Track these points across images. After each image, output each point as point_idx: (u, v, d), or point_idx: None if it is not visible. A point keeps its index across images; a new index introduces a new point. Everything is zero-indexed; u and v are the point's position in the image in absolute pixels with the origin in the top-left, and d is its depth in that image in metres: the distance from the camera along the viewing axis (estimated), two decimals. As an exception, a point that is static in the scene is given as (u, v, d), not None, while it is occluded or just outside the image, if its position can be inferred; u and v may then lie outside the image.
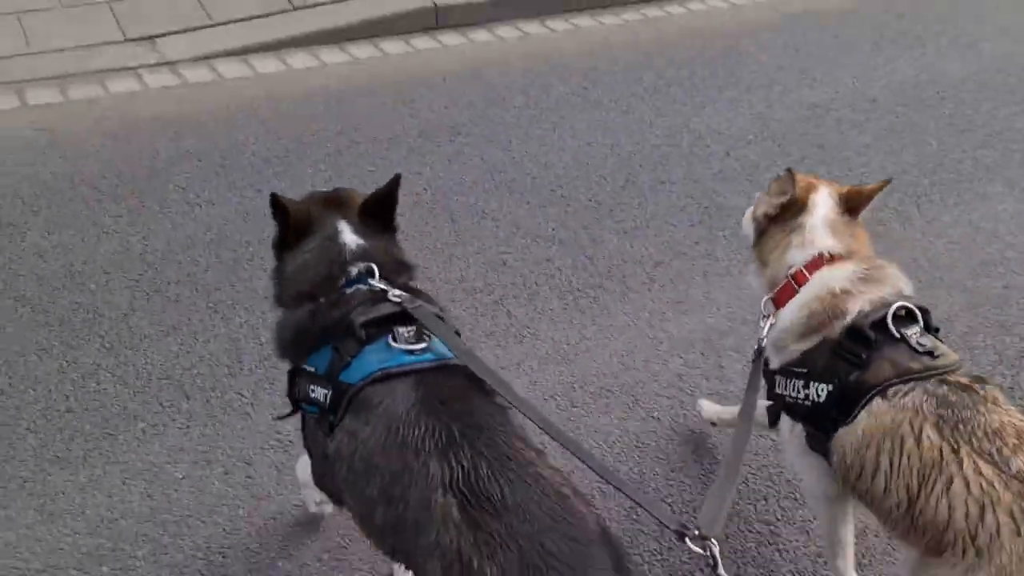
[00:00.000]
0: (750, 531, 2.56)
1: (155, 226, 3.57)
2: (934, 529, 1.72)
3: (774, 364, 2.15)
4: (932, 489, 1.72)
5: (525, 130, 4.52)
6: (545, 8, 5.92)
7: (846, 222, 2.16)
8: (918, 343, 1.90)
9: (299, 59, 5.06)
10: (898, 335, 1.91)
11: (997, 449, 1.70)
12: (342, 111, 4.52)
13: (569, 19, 5.90)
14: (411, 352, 1.75)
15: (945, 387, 1.82)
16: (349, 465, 1.69)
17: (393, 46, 5.34)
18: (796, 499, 2.62)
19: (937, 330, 2.02)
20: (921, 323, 1.96)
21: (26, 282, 3.22)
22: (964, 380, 1.85)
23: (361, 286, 1.89)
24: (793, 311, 2.07)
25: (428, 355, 1.77)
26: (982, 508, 1.65)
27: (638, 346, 3.20)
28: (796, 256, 2.13)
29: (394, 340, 1.77)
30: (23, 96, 4.39)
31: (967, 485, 1.68)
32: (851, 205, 2.18)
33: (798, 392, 2.01)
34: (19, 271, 3.27)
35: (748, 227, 2.36)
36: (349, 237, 1.96)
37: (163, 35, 5.02)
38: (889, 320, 1.92)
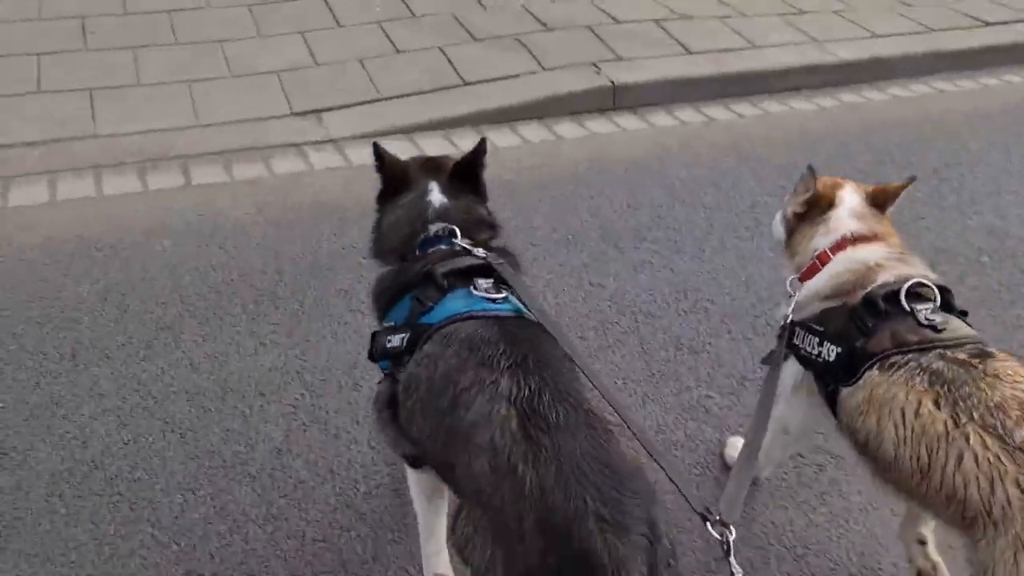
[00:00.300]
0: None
1: (315, 338, 3.21)
2: (956, 503, 1.76)
3: (796, 318, 2.24)
4: (945, 463, 1.77)
5: (719, 237, 3.98)
6: (729, 90, 5.40)
7: (873, 213, 2.29)
8: (926, 318, 1.95)
9: (467, 139, 4.71)
10: (908, 309, 1.98)
11: (1000, 422, 1.74)
12: (514, 201, 4.09)
13: (756, 103, 5.35)
14: (492, 300, 1.91)
15: (942, 362, 1.88)
16: (424, 380, 1.82)
17: (567, 128, 4.93)
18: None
19: (964, 313, 2.07)
20: (938, 301, 2.02)
21: (177, 400, 2.90)
22: (963, 356, 1.89)
23: (442, 245, 2.07)
24: (822, 279, 2.21)
25: (507, 305, 1.93)
26: (992, 482, 1.70)
27: (884, 540, 2.57)
28: (821, 241, 2.27)
29: (475, 289, 1.93)
30: (188, 173, 4.20)
31: (976, 460, 1.73)
32: (878, 201, 2.32)
33: (813, 348, 2.13)
34: (171, 385, 2.96)
35: (778, 229, 2.50)
36: (436, 196, 2.15)
37: (329, 109, 4.79)
38: (902, 294, 2.01)
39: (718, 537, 1.59)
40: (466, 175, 2.22)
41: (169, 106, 4.64)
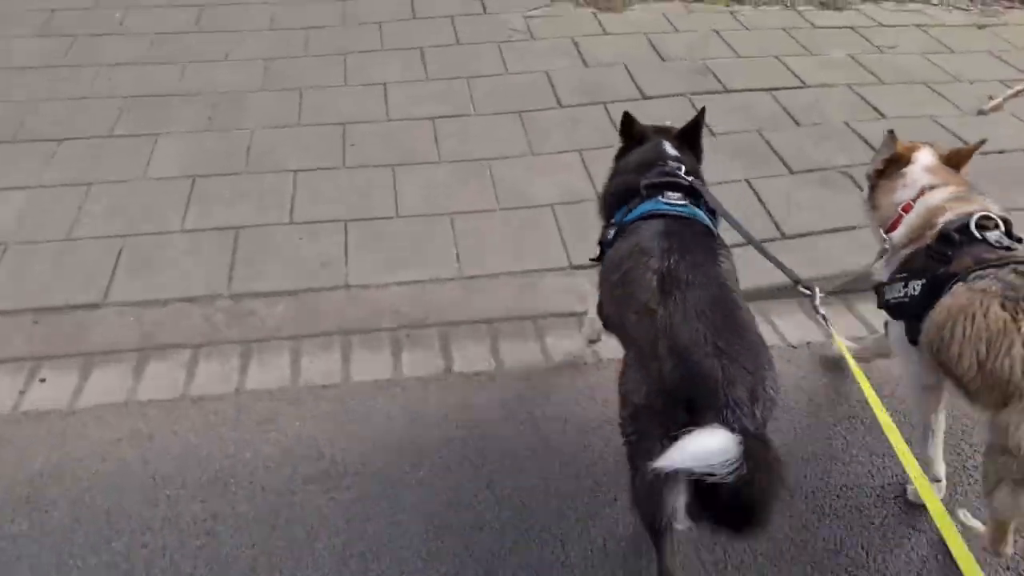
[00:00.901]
0: None
1: None
2: (1000, 384, 2.06)
3: (884, 278, 2.53)
4: (999, 353, 2.05)
5: None
6: None
7: (947, 170, 2.55)
8: (996, 241, 2.25)
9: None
10: (980, 237, 2.26)
11: None
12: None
13: None
14: (670, 204, 2.44)
15: (1014, 275, 2.13)
16: (609, 266, 2.46)
17: None
18: None
19: (1021, 240, 2.31)
20: (1003, 229, 2.29)
21: None
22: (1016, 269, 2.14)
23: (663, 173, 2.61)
24: (901, 231, 2.48)
25: (685, 209, 2.44)
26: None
27: None
28: (902, 195, 2.53)
29: (662, 197, 2.48)
30: (448, 352, 3.44)
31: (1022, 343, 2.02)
32: (953, 161, 2.59)
33: (899, 292, 2.37)
34: None
35: (864, 190, 2.77)
36: (668, 147, 2.72)
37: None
38: (972, 225, 2.28)
39: (807, 292, 2.42)
40: (688, 138, 2.79)
41: (427, 246, 3.95)
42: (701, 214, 2.47)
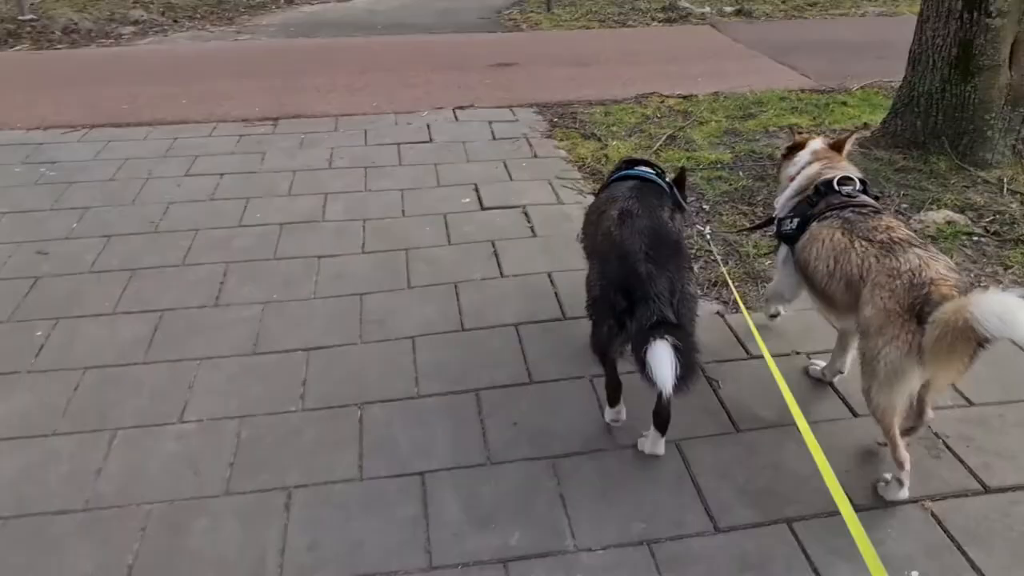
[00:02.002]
0: None
1: None
2: (848, 285, 2.83)
3: (781, 215, 3.37)
4: (844, 261, 2.86)
5: None
6: None
7: (830, 152, 3.44)
8: (847, 194, 3.11)
9: None
10: (836, 189, 3.13)
11: (871, 234, 2.84)
12: None
13: None
14: (641, 171, 3.37)
15: (852, 212, 2.99)
16: (591, 207, 3.46)
17: None
18: None
19: (878, 197, 3.81)
20: (858, 185, 3.15)
21: None
22: (864, 211, 2.99)
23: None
24: (791, 189, 3.38)
25: (648, 173, 3.35)
26: (863, 259, 2.79)
27: None
28: (793, 169, 3.45)
29: (639, 168, 3.46)
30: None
31: (857, 252, 2.83)
32: (836, 146, 3.48)
33: (787, 227, 3.24)
34: None
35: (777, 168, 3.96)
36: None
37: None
38: (834, 183, 3.15)
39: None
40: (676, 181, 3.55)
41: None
42: (662, 182, 3.34)
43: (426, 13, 11.66)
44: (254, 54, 9.47)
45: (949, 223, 4.64)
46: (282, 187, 5.48)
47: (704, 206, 5.01)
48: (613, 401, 3.11)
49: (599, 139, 6.20)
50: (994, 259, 4.36)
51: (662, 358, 2.44)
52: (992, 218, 4.72)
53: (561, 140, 6.24)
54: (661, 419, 2.90)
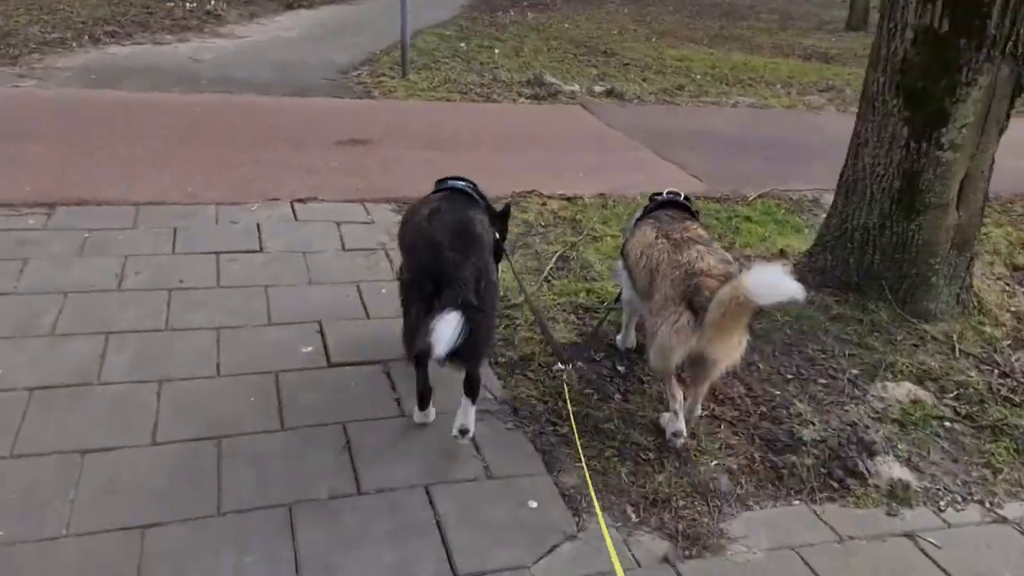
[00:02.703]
0: None
1: None
2: (650, 272, 3.38)
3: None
4: (651, 252, 3.42)
5: None
6: None
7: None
8: (666, 203, 3.81)
9: None
10: (661, 203, 3.83)
11: (670, 233, 3.44)
12: None
13: None
14: (455, 182, 3.65)
15: (665, 216, 3.63)
16: (407, 212, 3.82)
17: None
18: None
19: (696, 213, 3.90)
20: (682, 198, 3.87)
21: None
22: (676, 218, 3.62)
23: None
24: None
25: (462, 184, 3.63)
26: (661, 253, 3.35)
27: None
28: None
29: (453, 181, 3.70)
30: None
31: (659, 247, 3.39)
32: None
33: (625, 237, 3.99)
34: None
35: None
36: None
37: None
38: (664, 194, 3.89)
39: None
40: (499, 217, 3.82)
41: None
42: (474, 193, 3.61)
43: (261, 66, 10.11)
44: (36, 108, 7.58)
45: (915, 402, 3.82)
46: (43, 321, 3.90)
47: (619, 367, 3.94)
48: (422, 404, 3.37)
49: (476, 256, 5.04)
50: (975, 455, 3.56)
51: (447, 323, 2.71)
52: (956, 393, 3.94)
53: (429, 254, 5.02)
54: (469, 386, 3.19)
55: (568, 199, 6.24)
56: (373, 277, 4.65)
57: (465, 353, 2.82)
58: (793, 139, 8.82)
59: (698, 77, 11.96)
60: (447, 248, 2.99)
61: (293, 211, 5.54)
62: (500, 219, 3.75)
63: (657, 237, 3.43)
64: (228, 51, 11.15)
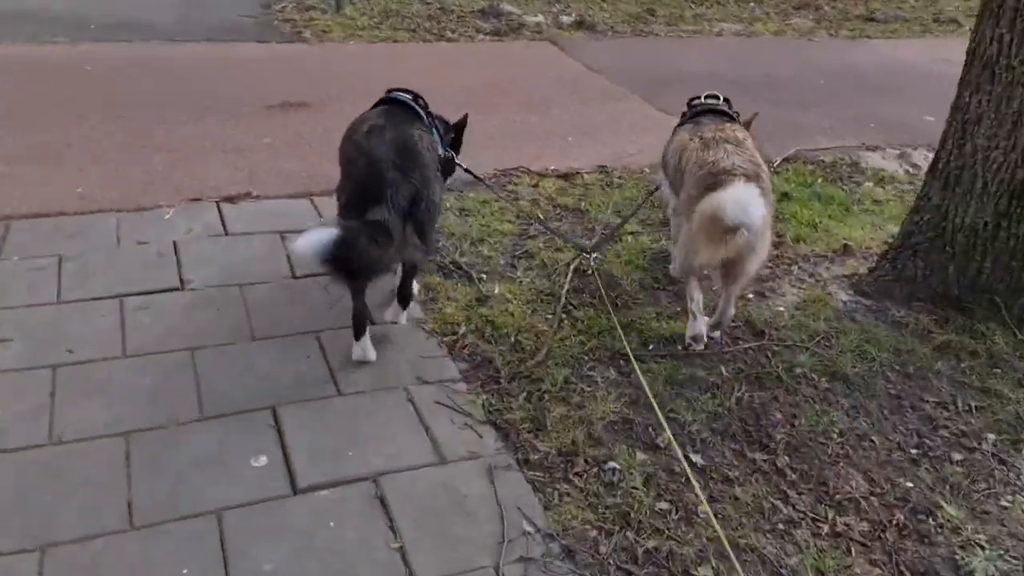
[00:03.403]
0: None
1: None
2: (682, 173, 3.40)
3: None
4: (687, 153, 3.39)
5: None
6: None
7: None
8: (705, 111, 3.68)
9: None
10: (700, 110, 3.70)
11: (702, 134, 3.39)
12: None
13: None
14: (397, 96, 3.50)
15: (706, 121, 3.54)
16: (348, 127, 3.41)
17: None
18: None
19: (737, 115, 3.72)
20: (721, 103, 3.77)
21: None
22: (717, 122, 3.53)
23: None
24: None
25: (404, 97, 3.48)
26: (691, 153, 3.34)
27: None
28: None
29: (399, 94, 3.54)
30: None
31: (689, 148, 3.37)
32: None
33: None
34: None
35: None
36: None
37: None
38: (701, 99, 3.81)
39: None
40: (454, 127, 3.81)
41: None
42: (416, 106, 3.48)
43: (164, 5, 8.46)
44: None
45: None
46: None
47: (692, 452, 2.89)
48: (358, 333, 3.22)
49: (469, 276, 3.88)
50: None
51: (321, 232, 2.72)
52: None
53: (407, 278, 3.83)
54: (401, 294, 3.42)
55: (563, 176, 5.08)
56: (339, 322, 3.45)
57: (353, 271, 2.91)
58: (793, 76, 7.74)
59: (667, -5, 10.67)
60: (388, 166, 3.00)
61: (221, 217, 4.26)
62: (455, 130, 3.76)
63: (691, 138, 3.44)
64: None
